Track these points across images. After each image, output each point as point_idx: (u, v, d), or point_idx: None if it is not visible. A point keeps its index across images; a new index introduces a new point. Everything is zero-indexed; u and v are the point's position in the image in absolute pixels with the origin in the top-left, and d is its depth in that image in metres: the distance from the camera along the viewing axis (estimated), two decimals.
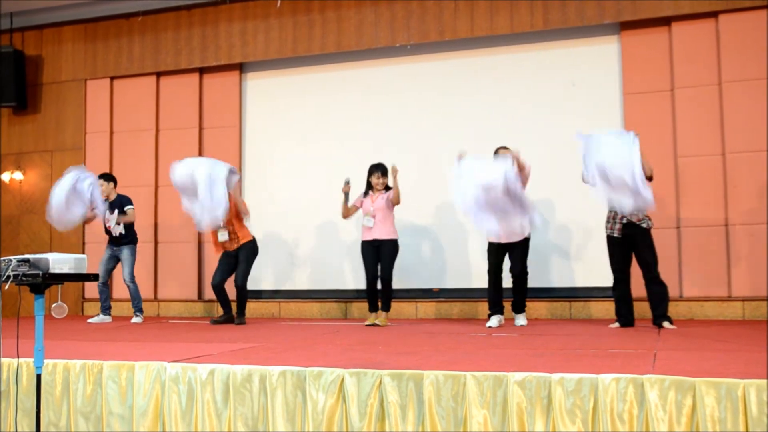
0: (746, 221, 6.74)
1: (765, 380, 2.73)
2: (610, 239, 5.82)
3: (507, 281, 6.26)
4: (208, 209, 6.41)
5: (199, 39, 8.62)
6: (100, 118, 8.96)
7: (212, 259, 7.68)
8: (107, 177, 7.48)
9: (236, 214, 6.86)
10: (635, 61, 7.25)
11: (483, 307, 6.78)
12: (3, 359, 3.60)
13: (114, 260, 7.41)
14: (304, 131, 8.38)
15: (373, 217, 6.47)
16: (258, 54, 8.41)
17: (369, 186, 6.59)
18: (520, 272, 6.15)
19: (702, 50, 7.00)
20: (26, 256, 3.14)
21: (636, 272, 5.94)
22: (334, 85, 8.33)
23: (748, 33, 6.82)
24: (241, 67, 8.63)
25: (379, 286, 6.52)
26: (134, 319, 7.32)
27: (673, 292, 6.53)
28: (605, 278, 6.22)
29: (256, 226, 8.02)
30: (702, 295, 6.84)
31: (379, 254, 6.49)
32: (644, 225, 5.72)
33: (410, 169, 7.65)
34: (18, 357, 3.56)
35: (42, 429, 3.38)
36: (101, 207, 7.15)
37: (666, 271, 5.86)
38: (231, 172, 6.67)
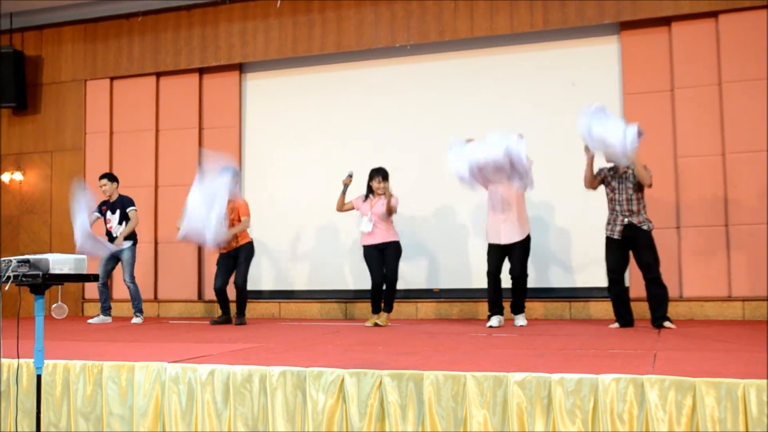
0: (746, 221, 6.74)
1: (765, 380, 2.73)
2: (609, 240, 5.82)
3: (506, 281, 6.26)
4: (212, 231, 6.43)
5: (199, 39, 8.62)
6: (100, 119, 8.96)
7: (212, 260, 7.67)
8: (110, 177, 7.48)
9: (237, 216, 6.86)
10: (635, 61, 7.25)
11: (483, 307, 6.78)
12: (3, 359, 3.60)
13: (114, 261, 7.41)
14: (304, 131, 8.38)
15: (371, 221, 6.46)
16: (258, 54, 8.41)
17: (369, 190, 6.58)
18: (520, 274, 6.15)
19: (702, 50, 7.00)
20: (26, 256, 3.14)
21: (637, 273, 5.94)
22: (334, 85, 8.33)
23: (748, 33, 6.82)
24: (241, 68, 8.64)
25: (383, 287, 6.51)
26: (134, 320, 7.32)
27: (673, 292, 6.53)
28: (605, 278, 6.21)
29: (256, 226, 8.03)
30: (702, 295, 6.84)
31: (384, 257, 6.48)
32: (645, 227, 5.72)
33: (410, 169, 7.67)
34: (18, 357, 3.56)
35: (42, 429, 3.38)
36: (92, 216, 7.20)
37: (666, 271, 5.87)
38: (234, 175, 6.66)
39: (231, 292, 7.02)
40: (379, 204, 6.49)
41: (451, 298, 7.62)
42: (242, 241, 6.92)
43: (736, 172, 6.79)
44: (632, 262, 5.97)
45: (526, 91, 7.62)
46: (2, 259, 3.13)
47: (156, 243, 8.62)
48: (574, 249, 7.40)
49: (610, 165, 5.83)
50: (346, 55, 8.21)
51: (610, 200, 5.82)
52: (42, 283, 3.09)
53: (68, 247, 8.43)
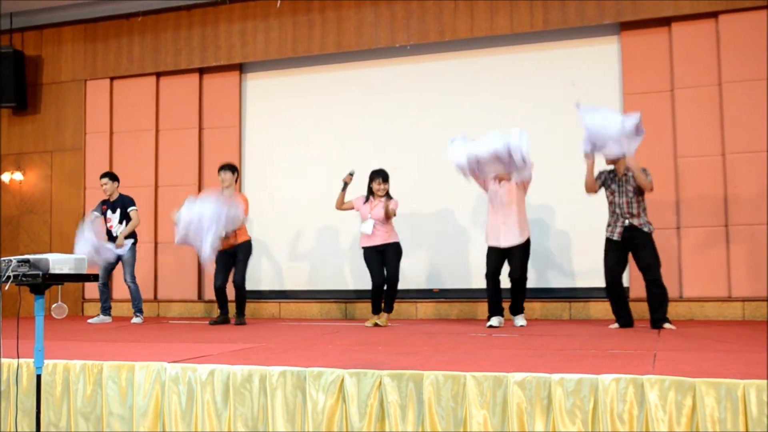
0: (746, 221, 6.74)
1: (765, 381, 2.73)
2: (609, 241, 5.82)
3: (505, 282, 6.26)
4: (210, 243, 6.50)
5: (199, 39, 8.62)
6: (100, 119, 8.96)
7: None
8: (111, 176, 7.48)
9: None
10: (635, 61, 7.25)
11: (483, 307, 6.78)
12: (3, 359, 3.60)
13: (114, 260, 7.41)
14: (304, 131, 8.38)
15: (371, 224, 6.45)
16: (258, 54, 8.41)
17: (370, 191, 6.57)
18: (519, 277, 6.14)
19: (702, 50, 7.01)
20: (26, 256, 3.14)
21: (636, 273, 5.94)
22: (334, 85, 8.33)
23: (748, 33, 6.82)
24: (241, 68, 8.64)
25: (384, 287, 6.51)
26: (134, 320, 7.32)
27: (673, 292, 6.53)
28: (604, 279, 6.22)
29: (256, 226, 8.03)
30: (702, 295, 6.84)
31: (385, 258, 6.48)
32: (645, 229, 5.71)
33: (410, 169, 7.67)
34: (18, 357, 3.56)
35: (42, 429, 3.38)
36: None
37: (666, 272, 5.87)
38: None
39: (230, 292, 7.01)
40: (379, 206, 6.48)
41: (451, 298, 7.62)
42: (241, 239, 6.91)
43: (736, 173, 6.79)
44: (632, 263, 5.97)
45: (526, 91, 7.62)
46: (2, 258, 3.12)
47: (156, 243, 8.62)
48: (574, 249, 7.40)
49: (610, 168, 5.83)
50: (346, 55, 8.21)
51: (611, 203, 5.82)
52: (42, 282, 3.09)
53: (68, 247, 8.41)
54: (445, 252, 7.80)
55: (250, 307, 8.01)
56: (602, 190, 5.92)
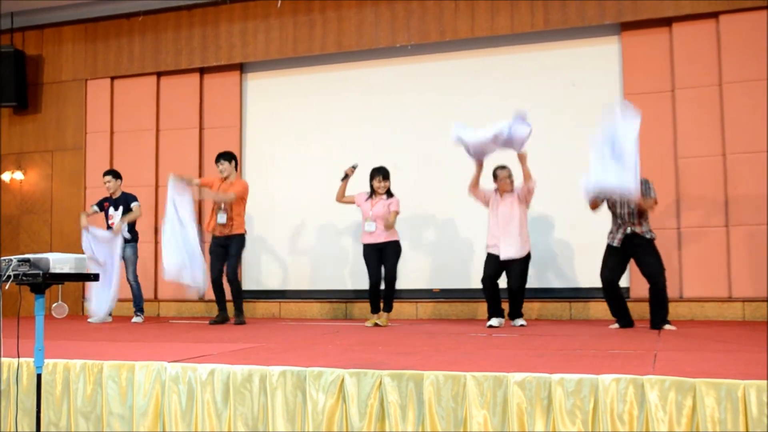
0: (746, 222, 6.74)
1: (765, 381, 2.73)
2: (609, 247, 5.83)
3: (503, 284, 6.28)
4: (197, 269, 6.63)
5: (200, 39, 8.62)
6: (101, 118, 8.97)
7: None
8: (115, 174, 7.48)
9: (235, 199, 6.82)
10: (636, 61, 7.25)
11: (483, 307, 6.78)
12: (3, 359, 3.60)
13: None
14: (304, 131, 8.38)
15: (374, 221, 6.46)
16: (258, 54, 8.42)
17: (372, 189, 6.57)
18: (518, 288, 6.16)
19: (703, 51, 7.01)
20: (27, 255, 3.13)
21: (636, 274, 5.94)
22: (335, 85, 8.33)
23: (749, 34, 6.82)
24: (241, 67, 8.64)
25: (382, 287, 6.51)
26: (135, 319, 7.33)
27: (673, 292, 6.53)
28: None
29: (256, 226, 8.04)
30: (702, 295, 6.84)
31: (383, 256, 6.48)
32: (647, 236, 5.71)
33: (410, 169, 7.68)
34: (18, 357, 3.56)
35: (42, 429, 3.38)
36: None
37: (666, 272, 5.86)
38: (189, 184, 6.84)
39: (230, 292, 7.01)
40: (380, 204, 6.49)
41: (451, 298, 7.62)
42: (236, 231, 6.84)
43: (737, 173, 6.79)
44: (633, 266, 5.98)
45: (526, 91, 7.62)
46: (2, 258, 3.12)
47: (156, 243, 8.61)
48: (575, 249, 7.40)
49: None
50: (346, 55, 8.22)
51: (613, 213, 5.81)
52: (42, 282, 3.09)
53: (68, 246, 8.44)
54: (445, 252, 7.80)
55: (250, 306, 8.02)
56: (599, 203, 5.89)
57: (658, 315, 5.67)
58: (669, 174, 7.01)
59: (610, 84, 7.39)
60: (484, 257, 6.30)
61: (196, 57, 8.63)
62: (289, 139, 8.44)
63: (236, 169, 7.07)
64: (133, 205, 7.36)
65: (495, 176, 6.24)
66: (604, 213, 5.91)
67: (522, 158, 6.01)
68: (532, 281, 6.59)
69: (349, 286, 8.05)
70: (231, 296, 6.92)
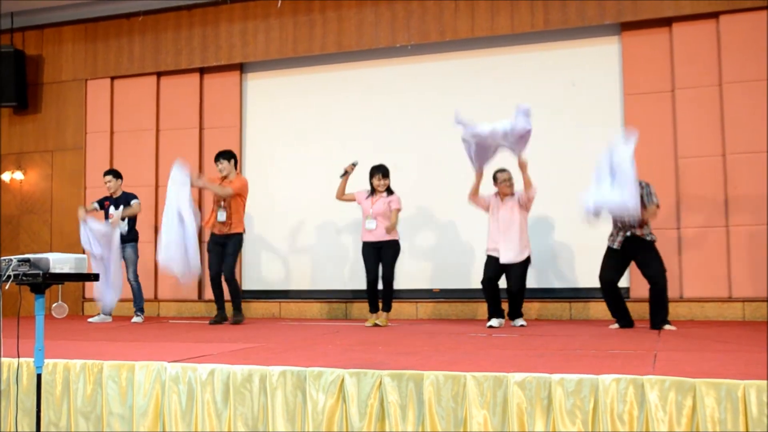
0: (746, 222, 6.74)
1: (765, 381, 2.73)
2: (609, 249, 5.83)
3: (502, 283, 6.27)
4: (192, 265, 6.64)
5: (200, 39, 8.62)
6: (101, 118, 8.97)
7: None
8: (115, 173, 7.49)
9: (234, 196, 6.82)
10: (636, 61, 7.25)
11: (483, 307, 6.78)
12: (3, 359, 3.60)
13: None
14: (304, 131, 8.38)
15: (374, 219, 6.47)
16: (258, 54, 8.42)
17: (371, 187, 6.57)
18: (518, 291, 6.16)
19: (703, 51, 7.01)
20: (27, 255, 3.13)
21: (636, 275, 5.93)
22: (335, 85, 8.33)
23: (749, 34, 6.82)
24: (241, 67, 8.64)
25: (380, 287, 6.51)
26: (135, 319, 7.33)
27: (673, 292, 6.53)
28: None
29: (256, 226, 8.03)
30: (702, 295, 6.84)
31: (381, 255, 6.48)
32: (648, 238, 5.71)
33: (410, 169, 7.67)
34: (18, 357, 3.56)
35: (42, 429, 3.38)
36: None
37: (667, 273, 5.86)
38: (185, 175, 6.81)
39: (229, 291, 7.00)
40: (380, 202, 6.49)
41: (451, 298, 7.62)
42: (234, 230, 6.84)
43: (737, 173, 6.79)
44: (633, 267, 5.98)
45: (526, 91, 7.60)
46: (2, 258, 3.12)
47: (156, 243, 8.60)
48: (575, 249, 7.39)
49: None
50: (346, 55, 8.21)
51: (613, 217, 5.81)
52: (42, 282, 3.09)
53: (68, 246, 8.44)
54: (445, 252, 7.80)
55: (250, 306, 8.02)
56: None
57: (658, 315, 5.67)
58: (669, 174, 7.01)
59: (610, 84, 7.39)
60: (484, 257, 6.30)
61: (196, 57, 8.63)
62: (289, 139, 8.44)
63: (236, 168, 7.07)
64: (133, 202, 7.37)
65: (495, 179, 6.24)
66: (604, 213, 5.90)
67: (523, 166, 6.00)
68: (533, 281, 6.59)
69: (349, 286, 8.05)
70: (229, 296, 6.92)
